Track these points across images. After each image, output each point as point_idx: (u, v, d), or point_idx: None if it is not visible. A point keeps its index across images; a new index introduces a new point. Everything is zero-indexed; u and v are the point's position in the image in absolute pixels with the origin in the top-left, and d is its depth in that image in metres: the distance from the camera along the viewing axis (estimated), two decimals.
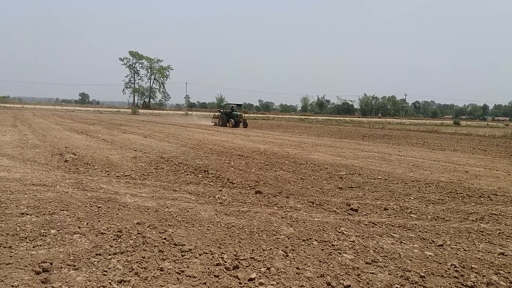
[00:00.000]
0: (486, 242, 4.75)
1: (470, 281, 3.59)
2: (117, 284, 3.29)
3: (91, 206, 5.53)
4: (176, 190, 6.81)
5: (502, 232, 5.15)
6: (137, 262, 3.73)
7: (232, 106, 35.84)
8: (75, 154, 10.58)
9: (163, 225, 4.84)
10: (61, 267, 3.54)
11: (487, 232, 5.15)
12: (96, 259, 3.74)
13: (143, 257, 3.84)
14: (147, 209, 5.54)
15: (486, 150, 18.48)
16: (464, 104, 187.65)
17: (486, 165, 12.39)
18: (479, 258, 4.20)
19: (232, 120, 33.04)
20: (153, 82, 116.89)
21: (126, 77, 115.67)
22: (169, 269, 3.60)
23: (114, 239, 4.29)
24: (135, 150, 12.12)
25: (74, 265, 3.59)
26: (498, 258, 4.24)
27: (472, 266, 3.96)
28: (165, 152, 12.05)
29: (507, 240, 4.87)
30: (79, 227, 4.62)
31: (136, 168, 8.88)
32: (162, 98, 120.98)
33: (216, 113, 37.22)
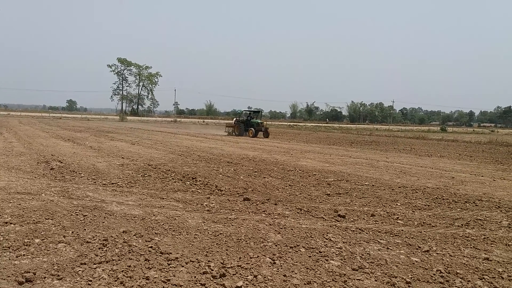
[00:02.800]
0: (471, 248, 4.80)
1: (456, 286, 3.63)
2: None
3: (77, 215, 5.45)
4: (163, 198, 6.77)
5: (487, 237, 5.21)
6: (122, 271, 3.68)
7: (250, 113, 32.38)
8: (61, 162, 10.45)
9: (150, 233, 4.80)
10: (44, 277, 3.48)
11: (472, 237, 5.20)
12: (81, 269, 3.69)
13: (129, 266, 3.80)
14: (134, 217, 5.49)
15: (472, 156, 18.73)
16: (451, 111, 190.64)
17: (472, 171, 12.56)
18: (464, 264, 4.24)
19: (252, 129, 29.50)
20: (141, 89, 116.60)
21: (114, 83, 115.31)
22: (155, 278, 3.57)
23: (99, 248, 4.24)
24: (122, 158, 12.03)
25: (58, 275, 3.53)
26: (482, 263, 4.29)
27: (458, 271, 4.00)
28: (152, 159, 11.97)
29: (492, 245, 4.93)
30: (64, 236, 4.55)
31: (123, 175, 8.80)
32: (151, 105, 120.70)
33: (232, 121, 33.95)
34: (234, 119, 33.68)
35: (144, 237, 4.67)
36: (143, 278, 3.55)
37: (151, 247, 4.33)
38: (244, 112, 33.17)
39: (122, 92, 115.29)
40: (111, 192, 7.07)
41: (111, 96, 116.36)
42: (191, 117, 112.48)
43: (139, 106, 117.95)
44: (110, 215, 5.55)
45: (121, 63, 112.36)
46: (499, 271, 4.04)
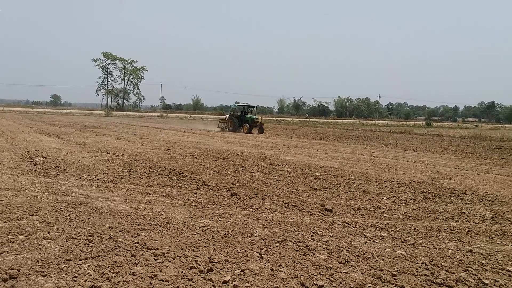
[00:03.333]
0: (455, 240, 4.87)
1: (440, 278, 3.68)
2: None
3: (62, 211, 5.38)
4: (149, 193, 6.72)
5: (471, 230, 5.30)
6: (108, 267, 3.65)
7: (244, 108, 30.99)
8: (45, 157, 10.29)
9: (136, 229, 4.76)
10: (29, 274, 3.43)
11: (456, 230, 5.28)
12: (66, 265, 3.64)
13: (115, 262, 3.76)
14: (120, 212, 5.44)
15: (456, 150, 19.02)
16: (436, 106, 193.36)
17: (457, 165, 12.75)
18: (449, 256, 4.30)
19: (247, 124, 28.52)
20: (127, 84, 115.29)
21: (99, 78, 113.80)
22: (141, 273, 3.54)
23: (85, 244, 4.19)
24: (108, 153, 11.90)
25: (43, 271, 3.48)
26: (466, 255, 4.36)
27: (442, 264, 4.06)
28: (138, 154, 11.87)
29: (476, 237, 5.01)
30: (48, 232, 4.49)
31: (109, 171, 8.71)
32: (137, 100, 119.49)
33: (224, 117, 32.92)
34: (228, 114, 32.33)
35: (131, 232, 4.63)
36: (129, 274, 3.52)
37: (137, 242, 4.30)
38: (238, 106, 31.60)
39: (107, 87, 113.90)
40: (97, 188, 6.99)
41: (96, 91, 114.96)
42: (177, 112, 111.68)
43: (125, 101, 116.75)
44: (95, 211, 5.49)
45: (106, 57, 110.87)
46: (482, 263, 4.11)
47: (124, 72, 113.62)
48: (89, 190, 6.77)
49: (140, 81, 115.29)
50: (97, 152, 12.14)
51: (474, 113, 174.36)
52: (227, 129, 30.28)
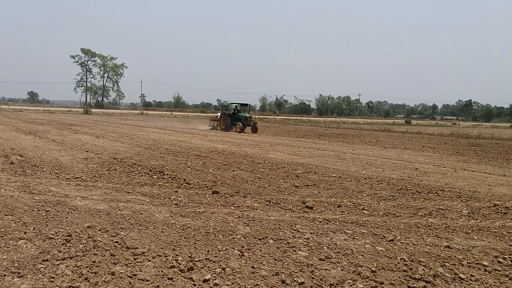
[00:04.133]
0: (433, 236, 4.97)
1: (418, 274, 3.74)
2: None
3: (39, 210, 5.27)
4: (129, 192, 6.63)
5: (448, 226, 5.41)
6: (87, 267, 3.59)
7: (236, 106, 29.47)
8: (22, 156, 10.05)
9: (115, 228, 4.69)
10: (4, 275, 3.34)
11: (434, 226, 5.39)
12: (43, 265, 3.57)
13: (94, 262, 3.70)
14: (99, 212, 5.35)
15: (435, 148, 19.40)
16: (415, 104, 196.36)
17: (435, 162, 13.00)
18: (427, 252, 4.38)
19: (240, 123, 26.99)
20: (106, 81, 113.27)
21: (78, 75, 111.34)
22: (120, 273, 3.49)
23: (63, 244, 4.11)
24: (86, 151, 11.69)
25: (19, 273, 3.40)
26: (444, 251, 4.45)
27: (420, 259, 4.13)
28: (118, 152, 11.70)
29: (453, 233, 5.12)
30: (25, 233, 4.39)
31: (88, 169, 8.56)
32: (116, 97, 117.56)
33: (216, 115, 30.88)
34: (219, 112, 30.51)
35: (110, 232, 4.56)
36: (108, 274, 3.47)
37: (116, 242, 4.24)
38: (230, 104, 30.00)
39: (86, 84, 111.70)
40: (75, 187, 6.86)
41: (75, 88, 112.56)
42: (158, 109, 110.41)
43: (104, 98, 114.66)
44: (74, 210, 5.39)
45: (85, 53, 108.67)
46: (459, 258, 4.20)
47: (104, 69, 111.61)
48: (67, 189, 6.64)
49: (119, 78, 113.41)
50: (76, 150, 11.92)
51: (452, 111, 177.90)
52: (219, 128, 28.80)
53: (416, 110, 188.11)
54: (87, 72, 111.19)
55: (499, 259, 4.23)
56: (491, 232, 5.23)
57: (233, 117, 28.11)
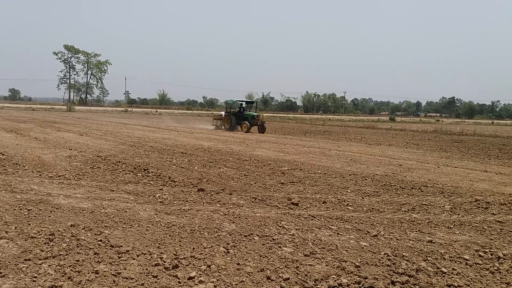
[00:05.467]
0: (416, 231, 5.04)
1: (401, 268, 3.79)
2: None
3: (21, 209, 5.18)
4: (113, 190, 6.56)
5: (431, 221, 5.49)
6: (70, 266, 3.54)
7: (241, 104, 27.66)
8: (3, 154, 9.85)
9: (99, 227, 4.64)
10: None
11: (417, 221, 5.46)
12: (25, 265, 3.51)
13: (77, 261, 3.66)
14: (82, 210, 5.28)
15: (418, 144, 19.68)
16: (400, 101, 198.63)
17: (418, 158, 13.19)
18: (410, 247, 4.44)
19: (246, 123, 25.00)
20: (90, 78, 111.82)
21: (61, 72, 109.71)
22: (104, 271, 3.46)
23: (45, 243, 4.05)
24: (70, 149, 11.52)
25: (0, 272, 3.34)
26: (426, 245, 4.51)
27: (404, 254, 4.18)
28: (102, 150, 11.56)
29: (435, 228, 5.20)
30: (6, 232, 4.31)
31: (71, 167, 8.44)
32: (100, 94, 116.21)
33: (220, 113, 29.13)
34: (224, 110, 28.48)
35: (93, 230, 4.51)
36: (92, 272, 3.43)
37: (100, 240, 4.20)
38: (236, 102, 28.09)
39: (70, 81, 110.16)
40: (58, 185, 6.76)
41: (58, 85, 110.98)
42: (143, 106, 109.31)
43: (88, 96, 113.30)
44: (56, 208, 5.31)
45: (68, 50, 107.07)
46: (441, 253, 4.27)
47: (87, 65, 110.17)
48: (50, 188, 6.54)
49: (103, 75, 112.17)
50: (59, 148, 11.74)
51: (436, 108, 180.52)
52: (222, 128, 27.01)
53: (401, 107, 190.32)
54: (70, 69, 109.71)
55: (480, 253, 4.31)
56: (473, 226, 5.33)
57: (239, 116, 26.24)
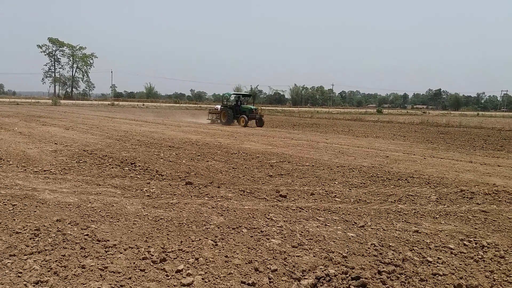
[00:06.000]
0: (403, 222, 5.09)
1: (388, 258, 3.83)
2: (33, 286, 3.08)
3: (5, 205, 5.09)
4: (100, 184, 6.50)
5: (417, 212, 5.56)
6: (56, 261, 3.50)
7: (239, 97, 27.04)
8: None
9: (86, 221, 4.60)
10: None
11: (404, 212, 5.53)
12: (10, 261, 3.46)
13: (63, 255, 3.62)
14: (68, 205, 5.22)
15: (405, 136, 19.88)
16: (387, 94, 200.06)
17: (405, 150, 13.33)
18: (396, 237, 4.50)
19: (244, 116, 24.21)
20: (75, 71, 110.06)
21: (46, 65, 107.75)
22: (91, 266, 3.43)
23: (31, 238, 4.00)
24: (55, 143, 11.37)
25: None
26: (413, 235, 4.57)
27: (390, 244, 4.23)
28: (88, 144, 11.43)
29: (421, 218, 5.27)
30: None
31: (57, 162, 8.33)
32: (86, 88, 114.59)
33: (215, 107, 27.71)
34: (223, 104, 27.40)
35: (80, 225, 4.46)
36: (78, 267, 3.40)
37: (87, 235, 4.16)
38: (233, 95, 27.44)
39: (55, 75, 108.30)
40: (44, 180, 6.67)
41: (43, 79, 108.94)
42: (129, 100, 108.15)
43: (74, 89, 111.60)
44: (42, 203, 5.24)
45: (53, 43, 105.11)
46: (427, 242, 4.33)
47: (73, 59, 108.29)
48: (35, 183, 6.45)
49: (89, 68, 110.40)
50: (44, 142, 11.57)
51: (423, 100, 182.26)
52: (218, 121, 26.19)
53: (388, 99, 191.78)
54: (55, 63, 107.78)
55: (465, 242, 4.38)
56: (458, 216, 5.41)
57: (236, 110, 25.39)
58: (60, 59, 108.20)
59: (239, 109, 25.42)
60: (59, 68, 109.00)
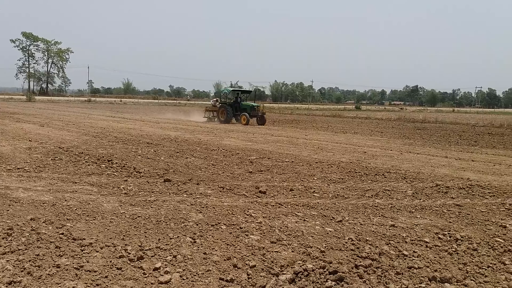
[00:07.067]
0: (379, 216, 5.17)
1: (365, 252, 3.88)
2: (6, 286, 2.99)
3: None
4: (76, 182, 6.37)
5: (394, 206, 5.66)
6: (30, 260, 3.42)
7: (238, 94, 25.29)
8: None
9: (61, 220, 4.50)
10: None
11: (380, 206, 5.61)
12: None
13: (37, 255, 3.54)
14: (43, 203, 5.10)
15: (382, 132, 20.19)
16: (365, 90, 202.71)
17: (382, 145, 13.53)
18: (373, 231, 4.56)
19: (246, 114, 22.81)
20: (50, 66, 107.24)
21: (19, 60, 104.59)
22: (66, 265, 3.36)
23: (3, 238, 3.89)
24: (30, 141, 11.08)
25: None
26: (389, 230, 4.64)
27: (367, 238, 4.29)
28: (64, 141, 11.19)
29: (397, 213, 5.36)
30: None
31: (31, 159, 8.12)
32: (62, 84, 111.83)
33: (213, 103, 26.16)
34: (215, 101, 26.25)
35: (55, 223, 4.37)
36: (53, 267, 3.33)
37: (62, 233, 4.07)
38: (232, 92, 25.98)
39: (29, 70, 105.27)
40: (17, 178, 6.50)
41: (16, 74, 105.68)
42: (107, 96, 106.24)
43: (49, 85, 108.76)
44: (15, 202, 5.11)
45: (27, 38, 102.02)
46: (403, 236, 4.41)
47: (48, 54, 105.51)
48: (8, 181, 6.27)
49: (65, 63, 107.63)
50: (18, 140, 11.26)
51: (400, 96, 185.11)
52: (216, 120, 24.74)
53: (366, 96, 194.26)
54: (29, 57, 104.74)
55: (439, 236, 4.48)
56: (433, 210, 5.53)
57: (235, 107, 23.98)
58: (34, 54, 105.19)
59: (239, 106, 24.09)
60: (34, 63, 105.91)
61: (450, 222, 5.03)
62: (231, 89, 26.39)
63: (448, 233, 4.56)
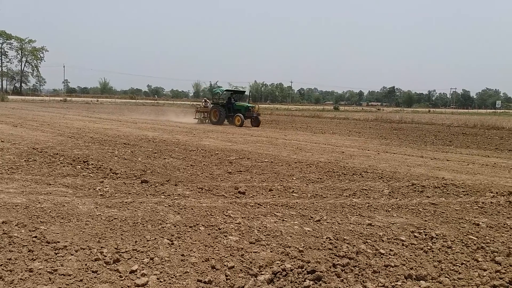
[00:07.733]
0: (357, 215, 5.23)
1: (342, 251, 3.92)
2: None
3: None
4: (50, 184, 6.21)
5: (371, 205, 5.73)
6: (1, 265, 3.31)
7: (232, 94, 24.50)
8: None
9: (34, 223, 4.38)
10: None
11: (358, 206, 5.68)
12: None
13: (9, 259, 3.43)
14: (16, 206, 4.95)
15: (360, 132, 20.47)
16: (343, 91, 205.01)
17: (360, 145, 13.71)
18: (351, 230, 4.61)
19: (240, 115, 22.02)
20: (24, 65, 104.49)
21: None
22: (39, 269, 3.27)
23: None
24: (2, 141, 10.75)
25: None
26: (366, 228, 4.70)
27: (345, 237, 4.33)
28: (38, 142, 10.91)
29: (375, 212, 5.43)
30: None
31: (3, 161, 7.88)
32: (37, 83, 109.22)
33: (203, 104, 25.18)
34: (206, 101, 25.46)
35: (28, 226, 4.25)
36: (26, 271, 3.24)
37: (35, 236, 3.96)
38: (225, 92, 25.16)
39: (2, 69, 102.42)
40: None
41: None
42: (83, 95, 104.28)
43: (23, 84, 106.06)
44: None
45: None
46: (380, 235, 4.47)
47: (21, 52, 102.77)
48: None
49: (40, 62, 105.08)
50: None
51: (377, 97, 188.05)
52: (207, 121, 23.95)
53: (344, 96, 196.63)
54: (2, 56, 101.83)
55: (415, 234, 4.56)
56: (409, 209, 5.62)
57: (228, 108, 23.22)
58: (7, 52, 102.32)
59: (232, 107, 23.26)
60: (7, 62, 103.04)
61: (425, 220, 5.12)
62: (225, 89, 25.73)
63: (424, 231, 4.64)
